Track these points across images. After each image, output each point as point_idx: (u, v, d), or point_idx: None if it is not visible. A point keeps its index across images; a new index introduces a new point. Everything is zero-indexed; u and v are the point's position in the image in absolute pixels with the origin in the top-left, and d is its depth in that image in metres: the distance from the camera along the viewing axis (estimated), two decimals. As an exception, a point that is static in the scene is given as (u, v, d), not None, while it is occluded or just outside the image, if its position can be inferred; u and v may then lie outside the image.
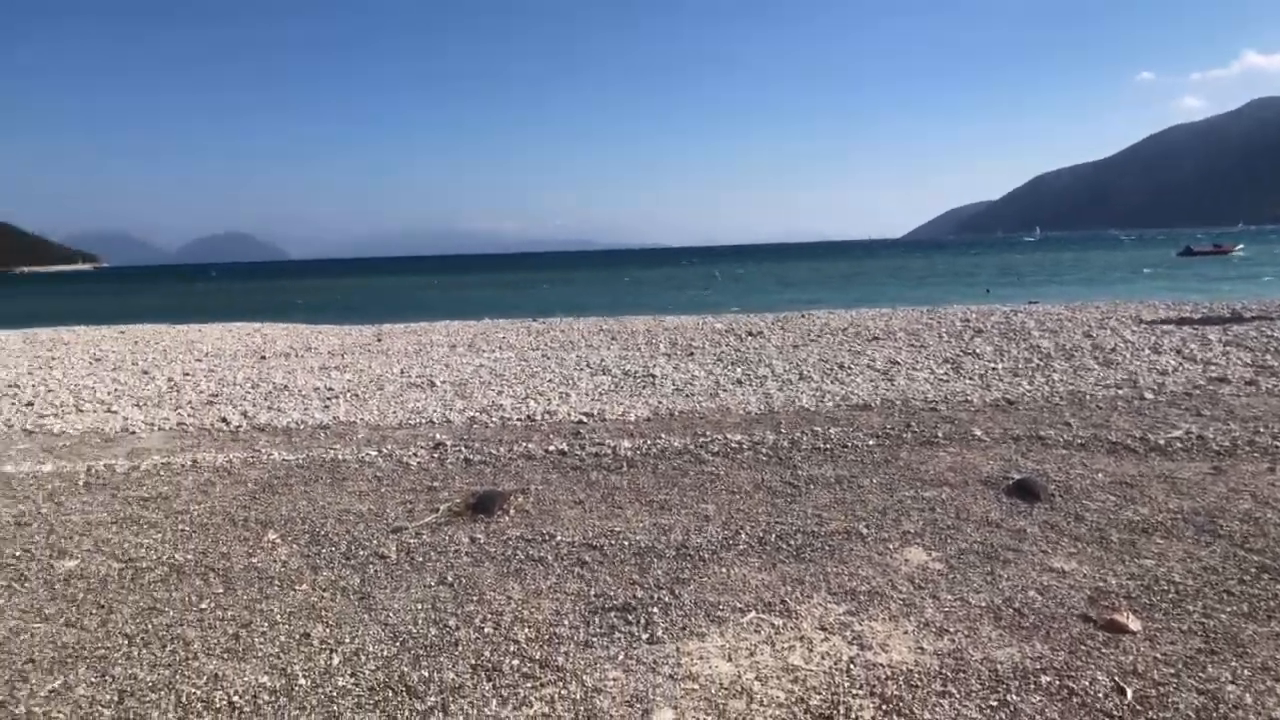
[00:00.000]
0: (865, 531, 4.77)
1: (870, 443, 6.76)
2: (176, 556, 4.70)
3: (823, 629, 3.61)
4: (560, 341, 14.71)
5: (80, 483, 6.36)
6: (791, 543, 4.63)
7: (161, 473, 6.60)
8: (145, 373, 12.33)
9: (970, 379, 9.43)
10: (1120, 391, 8.40)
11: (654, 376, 10.41)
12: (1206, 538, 4.49)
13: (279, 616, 3.87)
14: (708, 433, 7.29)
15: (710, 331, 14.96)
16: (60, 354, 15.14)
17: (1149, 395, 8.16)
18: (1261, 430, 6.63)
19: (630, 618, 3.74)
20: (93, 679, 3.35)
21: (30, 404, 9.89)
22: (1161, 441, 6.41)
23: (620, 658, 3.39)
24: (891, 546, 4.54)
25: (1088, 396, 8.23)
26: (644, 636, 3.56)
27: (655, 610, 3.81)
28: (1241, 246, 67.24)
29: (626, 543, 4.68)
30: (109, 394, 10.47)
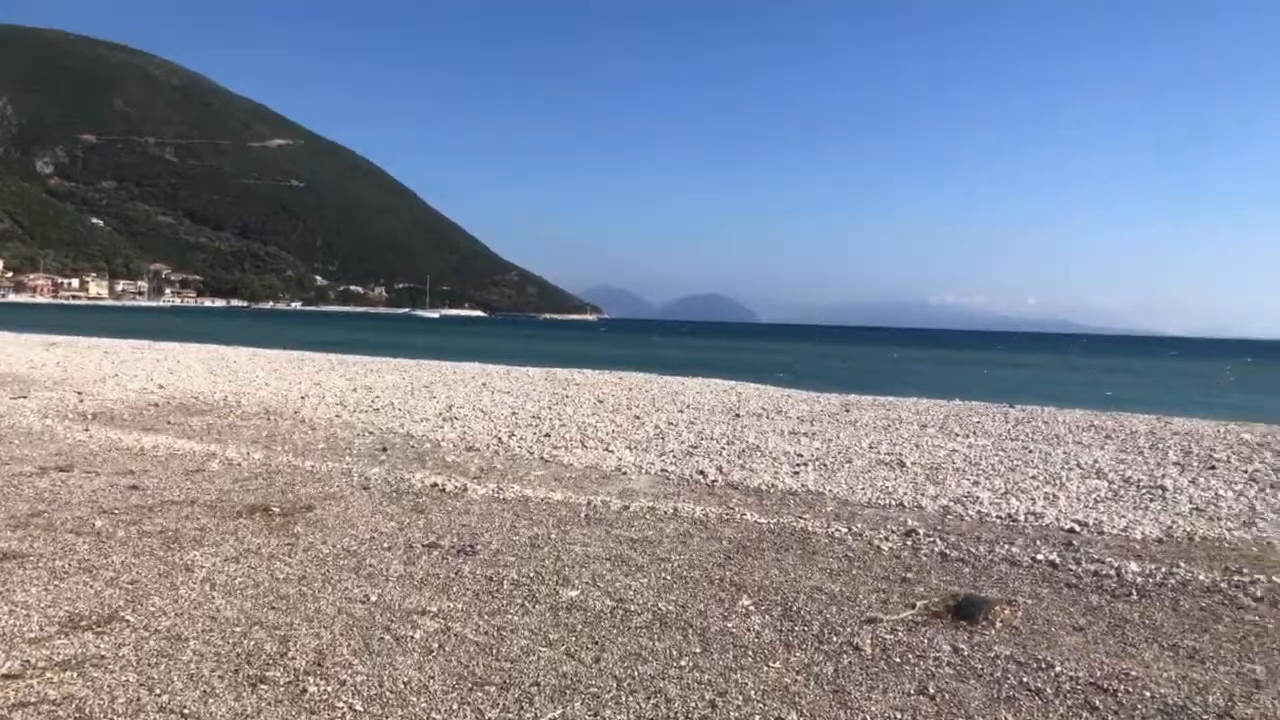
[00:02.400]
0: None
1: None
2: (660, 605, 4.90)
3: None
4: (1043, 434, 13.42)
5: (582, 515, 7.02)
6: (1392, 746, 3.51)
7: (647, 516, 7.05)
8: (637, 418, 13.57)
9: None
10: None
11: (1163, 489, 8.95)
12: None
13: (753, 692, 3.79)
14: (1244, 570, 5.98)
15: (1235, 442, 12.60)
16: (572, 393, 17.36)
17: None
18: None
19: (1163, 797, 3.05)
20: (587, 716, 3.52)
21: (547, 435, 11.36)
22: None
23: None
24: None
25: None
26: (1185, 829, 2.87)
27: (1196, 796, 3.07)
28: None
29: (1148, 693, 3.90)
30: (608, 434, 11.66)
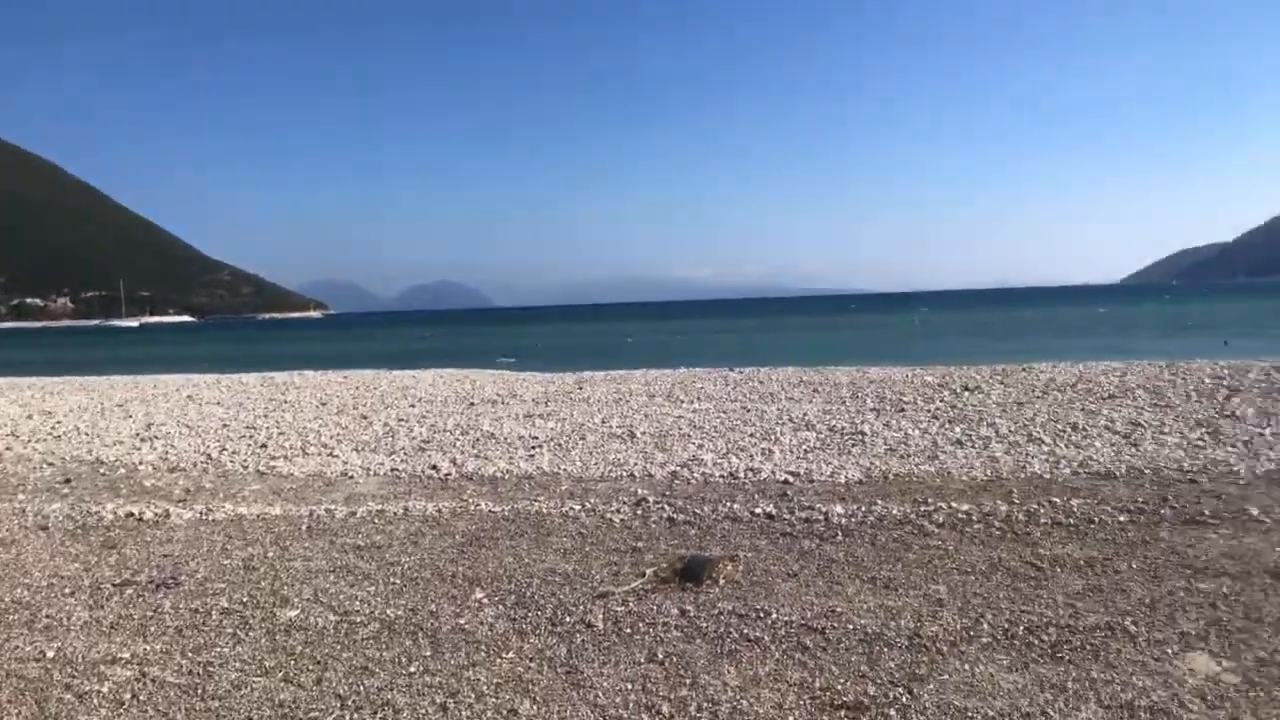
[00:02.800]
0: (1133, 629, 4.11)
1: (1121, 518, 5.97)
2: (388, 612, 4.68)
3: (1100, 756, 3.05)
4: (759, 393, 14.32)
5: (304, 528, 6.59)
6: (1044, 638, 4.04)
7: (376, 520, 6.75)
8: (364, 417, 12.98)
9: (1232, 446, 8.29)
10: None
11: (863, 434, 9.84)
12: None
13: (485, 687, 3.72)
14: (929, 500, 6.70)
15: (921, 385, 14.12)
16: (292, 397, 16.29)
17: None
18: None
19: (864, 719, 3.31)
20: (305, 745, 3.29)
21: (264, 446, 10.57)
22: None
23: (857, 772, 2.98)
24: (1170, 651, 3.87)
25: (1392, 472, 6.99)
26: (882, 747, 3.13)
27: (893, 712, 3.37)
28: None
29: (851, 626, 4.25)
30: (332, 438, 11.04)
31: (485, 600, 4.83)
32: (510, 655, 4.06)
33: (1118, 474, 7.39)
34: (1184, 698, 3.43)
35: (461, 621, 4.51)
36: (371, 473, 8.78)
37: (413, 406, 14.26)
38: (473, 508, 7.03)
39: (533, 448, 9.85)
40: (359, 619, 4.60)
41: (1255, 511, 5.97)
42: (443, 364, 25.70)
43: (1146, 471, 7.43)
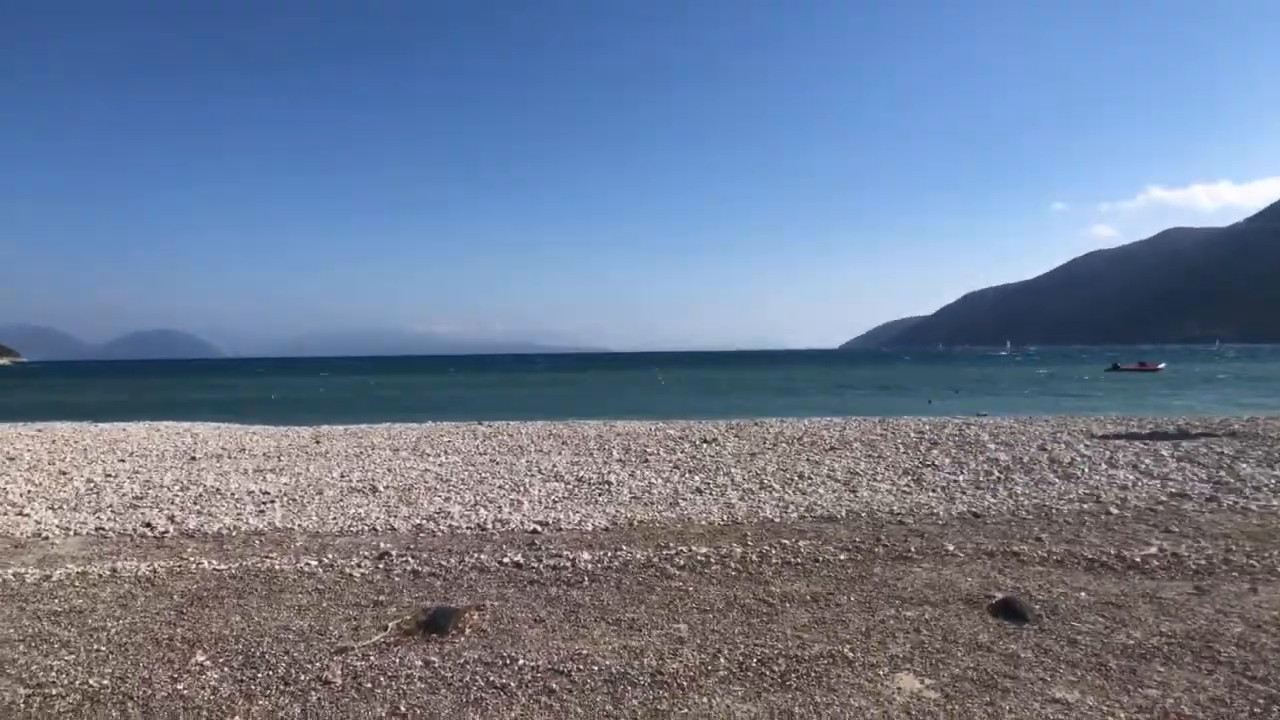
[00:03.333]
0: (851, 655, 4.46)
1: (842, 557, 6.50)
2: (90, 682, 4.17)
3: (824, 770, 3.27)
4: (509, 446, 14.30)
5: (-16, 594, 5.75)
6: (775, 668, 4.29)
7: (76, 583, 6.02)
8: (63, 473, 11.58)
9: (933, 491, 9.30)
10: (1085, 506, 8.32)
11: (609, 484, 10.07)
12: (1206, 665, 4.28)
13: (207, 756, 3.40)
14: (671, 544, 6.96)
15: (664, 438, 14.70)
16: (-29, 451, 14.23)
17: (1114, 510, 8.10)
18: (1234, 548, 6.54)
19: (610, 757, 3.35)
20: (-19, 837, 2.85)
21: (-67, 506, 9.14)
22: (1138, 559, 6.27)
23: (603, 807, 3.00)
24: (881, 673, 4.23)
25: (1054, 511, 8.13)
26: (628, 781, 3.18)
27: (636, 749, 3.44)
28: (1163, 365, 69.99)
29: (595, 668, 4.30)
30: (22, 495, 9.76)
31: (208, 663, 4.43)
32: (236, 719, 3.74)
33: (839, 517, 8.05)
34: (893, 714, 3.76)
35: (179, 687, 4.10)
36: (72, 532, 7.84)
37: (123, 461, 12.91)
38: (193, 567, 6.45)
39: (263, 503, 9.23)
40: (55, 691, 4.06)
41: (951, 547, 6.71)
42: (160, 416, 23.53)
43: (863, 514, 8.14)
